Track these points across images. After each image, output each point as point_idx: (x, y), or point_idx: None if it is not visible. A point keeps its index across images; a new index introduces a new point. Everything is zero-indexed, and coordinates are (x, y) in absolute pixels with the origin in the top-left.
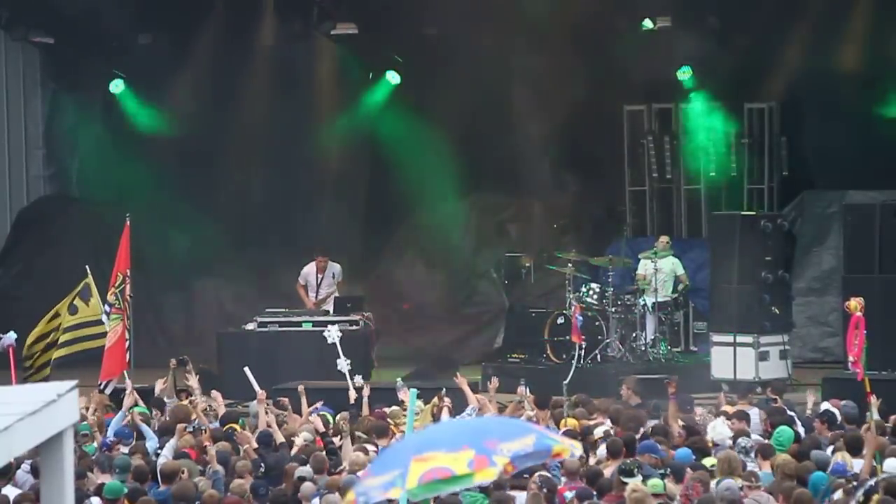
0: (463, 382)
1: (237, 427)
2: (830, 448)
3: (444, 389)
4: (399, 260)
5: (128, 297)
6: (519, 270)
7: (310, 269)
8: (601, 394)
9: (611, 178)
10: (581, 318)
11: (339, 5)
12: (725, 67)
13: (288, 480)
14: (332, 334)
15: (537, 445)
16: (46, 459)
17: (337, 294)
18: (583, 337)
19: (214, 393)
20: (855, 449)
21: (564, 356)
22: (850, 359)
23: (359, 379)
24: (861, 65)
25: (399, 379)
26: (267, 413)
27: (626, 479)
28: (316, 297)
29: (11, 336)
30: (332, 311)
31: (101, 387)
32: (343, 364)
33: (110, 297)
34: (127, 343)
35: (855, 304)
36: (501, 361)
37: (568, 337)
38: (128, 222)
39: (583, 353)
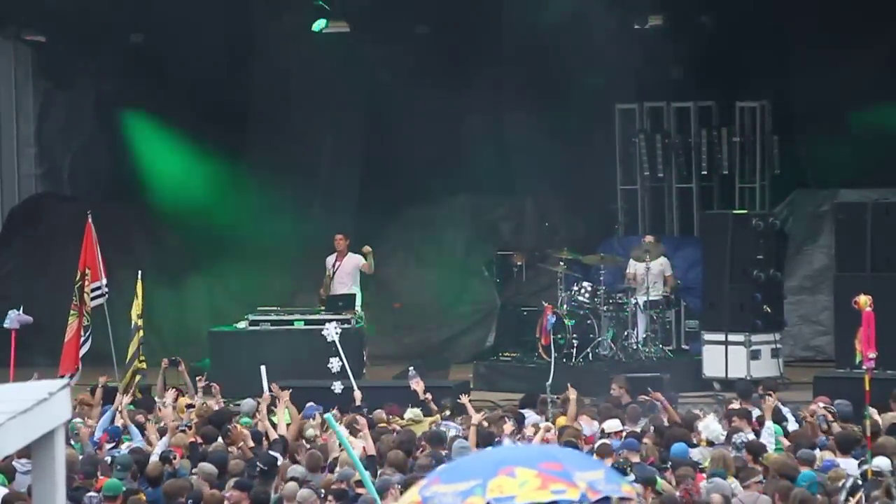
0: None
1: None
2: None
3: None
4: (391, 258)
5: (86, 294)
6: (511, 269)
7: (330, 258)
8: (592, 392)
9: (602, 177)
10: (553, 318)
11: (332, 4)
12: (717, 66)
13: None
14: (331, 332)
15: (608, 479)
16: (38, 458)
17: (355, 289)
18: (549, 338)
19: (214, 389)
20: (844, 447)
21: (556, 354)
22: (872, 355)
23: (413, 371)
24: (853, 63)
25: (411, 368)
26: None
27: None
28: (330, 283)
29: (27, 318)
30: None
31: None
32: (336, 364)
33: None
34: (82, 339)
35: (864, 300)
36: (493, 360)
37: (559, 336)
38: (90, 220)
39: (574, 352)
